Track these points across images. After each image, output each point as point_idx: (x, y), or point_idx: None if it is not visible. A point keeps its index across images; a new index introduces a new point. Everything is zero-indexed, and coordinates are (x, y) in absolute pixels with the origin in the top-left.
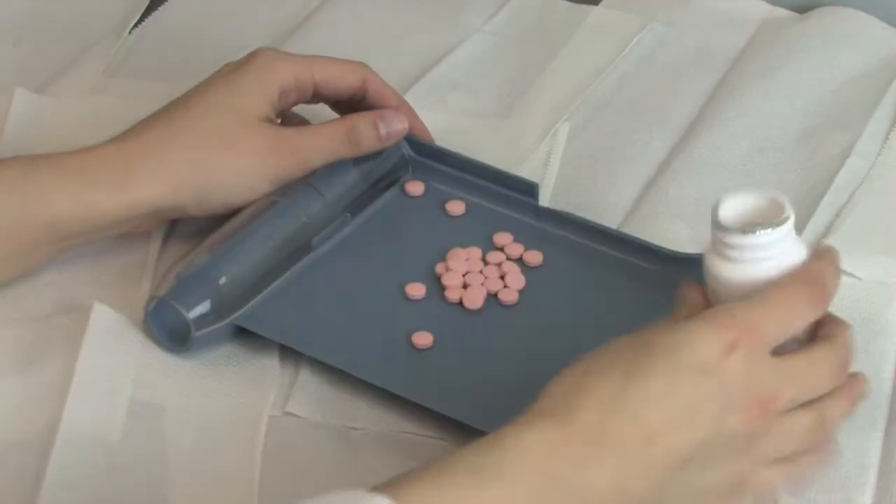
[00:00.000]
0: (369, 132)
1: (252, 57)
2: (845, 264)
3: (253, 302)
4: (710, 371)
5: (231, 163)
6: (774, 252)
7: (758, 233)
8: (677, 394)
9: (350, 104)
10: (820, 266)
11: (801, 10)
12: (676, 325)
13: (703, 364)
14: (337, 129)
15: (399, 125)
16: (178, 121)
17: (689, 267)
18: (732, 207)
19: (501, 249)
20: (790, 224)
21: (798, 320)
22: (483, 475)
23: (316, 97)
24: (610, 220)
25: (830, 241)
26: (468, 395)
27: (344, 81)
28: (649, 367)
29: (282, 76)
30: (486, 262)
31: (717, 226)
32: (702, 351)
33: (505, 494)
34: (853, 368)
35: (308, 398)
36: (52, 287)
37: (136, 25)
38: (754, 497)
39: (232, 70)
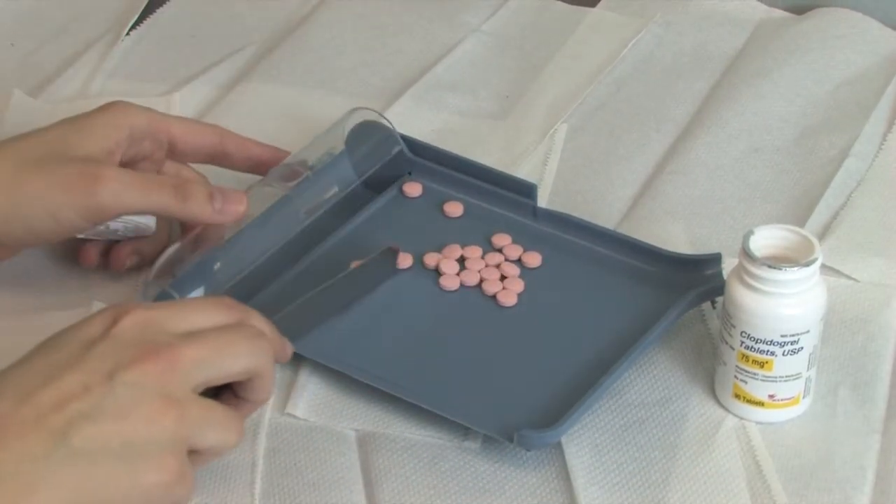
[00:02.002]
0: (201, 196)
1: (106, 105)
2: (843, 266)
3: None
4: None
5: (36, 187)
6: (797, 289)
7: (784, 269)
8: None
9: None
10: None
11: (799, 11)
12: None
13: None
14: (167, 179)
15: (236, 206)
16: (11, 141)
17: (686, 267)
18: (763, 239)
19: (500, 251)
20: (817, 265)
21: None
22: None
23: (175, 154)
24: (608, 220)
25: (828, 243)
26: (467, 396)
27: (200, 138)
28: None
29: (133, 120)
30: (485, 264)
31: (746, 255)
32: (89, 327)
33: None
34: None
35: (307, 399)
36: (49, 281)
37: (133, 27)
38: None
39: (83, 114)
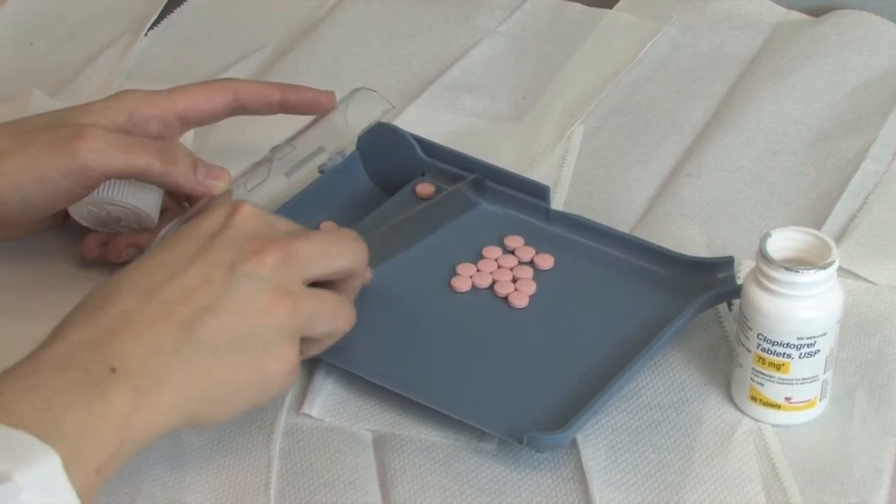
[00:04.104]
0: (186, 162)
1: (115, 93)
2: (860, 269)
3: None
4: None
5: (25, 154)
6: (814, 292)
7: (801, 272)
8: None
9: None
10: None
11: (816, 13)
12: None
13: (208, 230)
14: (152, 142)
15: (217, 181)
16: (18, 119)
17: (698, 270)
18: (780, 241)
19: (512, 252)
20: (834, 268)
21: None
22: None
23: (191, 125)
24: (624, 222)
25: (844, 245)
26: (478, 398)
27: (211, 104)
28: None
29: (134, 104)
30: (497, 266)
31: (763, 258)
32: (208, 222)
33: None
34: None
35: (323, 400)
36: (62, 288)
37: (152, 27)
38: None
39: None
